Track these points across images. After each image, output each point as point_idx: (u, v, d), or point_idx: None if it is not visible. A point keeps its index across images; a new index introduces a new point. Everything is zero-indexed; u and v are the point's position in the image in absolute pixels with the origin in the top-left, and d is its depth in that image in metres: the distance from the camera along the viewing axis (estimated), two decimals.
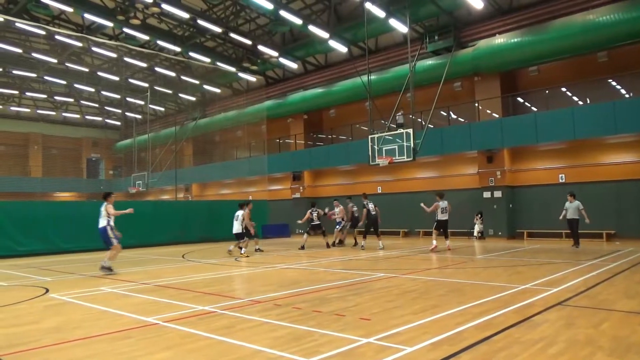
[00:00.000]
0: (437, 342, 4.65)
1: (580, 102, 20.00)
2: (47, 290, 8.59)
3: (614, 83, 19.24)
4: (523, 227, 20.11)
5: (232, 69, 28.05)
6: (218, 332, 5.22)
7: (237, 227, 14.82)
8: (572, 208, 15.12)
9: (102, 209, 10.94)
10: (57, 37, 25.14)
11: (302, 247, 16.93)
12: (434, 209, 15.18)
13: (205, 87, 32.32)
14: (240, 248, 14.90)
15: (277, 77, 30.84)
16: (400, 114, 21.02)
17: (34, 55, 27.93)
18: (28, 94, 36.69)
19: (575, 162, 19.12)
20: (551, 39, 18.28)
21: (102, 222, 10.88)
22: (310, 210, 17.59)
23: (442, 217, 15.29)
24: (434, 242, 15.36)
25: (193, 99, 35.73)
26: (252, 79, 30.23)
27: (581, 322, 5.35)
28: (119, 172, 45.13)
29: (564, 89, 20.31)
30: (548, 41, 18.36)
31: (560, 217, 15.32)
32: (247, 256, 14.46)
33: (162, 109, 39.77)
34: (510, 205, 20.31)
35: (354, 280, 8.99)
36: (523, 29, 19.49)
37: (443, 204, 15.30)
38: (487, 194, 20.60)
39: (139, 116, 40.21)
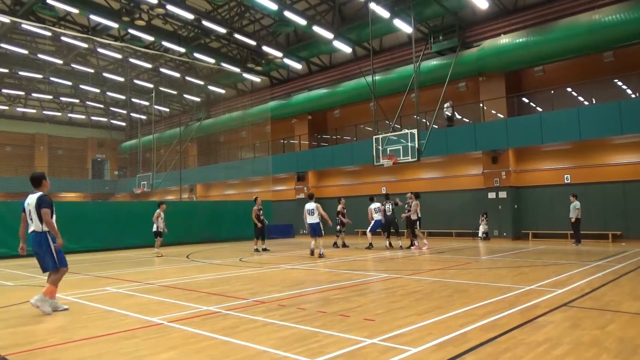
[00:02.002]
0: (442, 343, 4.64)
1: (586, 102, 19.91)
2: None
3: (619, 83, 19.14)
4: (528, 228, 20.04)
5: (237, 70, 28.10)
6: (222, 332, 5.23)
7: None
8: (571, 208, 16.30)
9: (314, 207, 14.01)
10: (62, 38, 25.29)
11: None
12: (416, 208, 15.94)
13: (210, 87, 32.41)
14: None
15: (281, 78, 30.88)
16: (448, 104, 20.75)
17: (40, 56, 28.11)
18: (34, 94, 36.92)
19: (580, 163, 19.04)
20: (556, 39, 18.21)
21: (316, 219, 14.01)
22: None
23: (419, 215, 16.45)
24: (425, 241, 16.35)
25: (198, 99, 35.83)
26: (256, 79, 30.29)
27: (586, 324, 5.33)
28: (124, 173, 45.32)
29: (569, 89, 20.23)
30: (553, 41, 18.29)
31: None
32: (161, 255, 15.56)
33: (167, 109, 39.90)
34: (515, 206, 20.24)
35: (358, 281, 8.99)
36: (528, 28, 19.43)
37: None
38: (492, 195, 20.55)
39: (143, 117, 40.37)
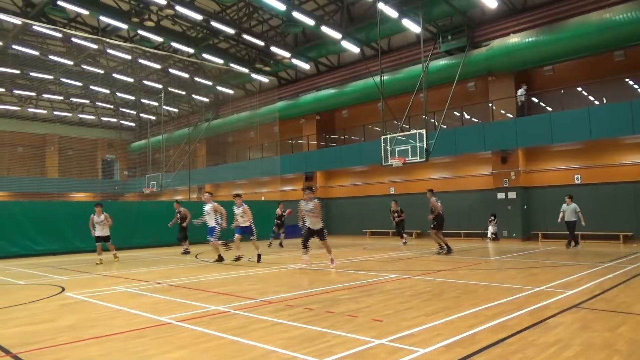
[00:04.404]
0: (450, 344, 4.61)
1: (597, 102, 19.72)
2: (63, 289, 8.71)
3: (631, 82, 18.92)
4: (538, 229, 19.88)
5: (245, 70, 28.17)
6: (231, 332, 5.24)
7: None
8: (569, 210, 15.28)
9: (241, 210, 12.61)
10: (73, 39, 25.51)
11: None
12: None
13: (219, 88, 32.52)
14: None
15: (289, 78, 30.90)
16: (522, 90, 19.95)
17: (51, 57, 28.38)
18: (45, 95, 37.27)
19: (591, 163, 18.85)
20: (566, 38, 18.05)
21: (247, 223, 12.71)
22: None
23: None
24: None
25: (206, 100, 35.97)
26: (264, 79, 30.34)
27: (597, 325, 5.27)
28: (134, 173, 45.59)
29: (579, 89, 20.04)
30: (563, 40, 18.13)
31: (559, 220, 15.55)
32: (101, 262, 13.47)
33: (176, 110, 40.11)
34: (525, 207, 20.09)
35: (366, 282, 8.96)
36: (538, 28, 19.27)
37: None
38: (501, 195, 20.41)
39: (153, 117, 40.60)
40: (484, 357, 4.21)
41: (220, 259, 13.30)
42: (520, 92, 20.11)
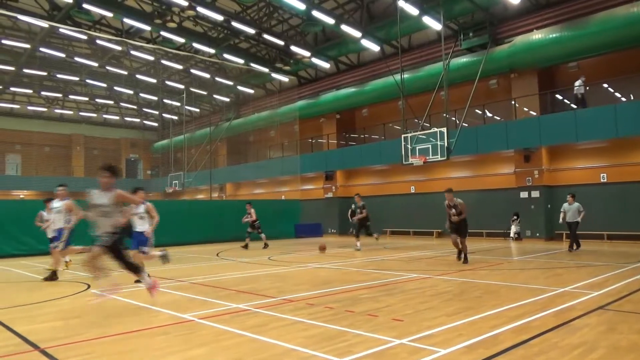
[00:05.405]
0: (472, 345, 4.57)
1: (623, 99, 19.23)
2: (89, 286, 8.91)
3: None
4: (562, 229, 19.42)
5: (266, 70, 28.34)
6: (251, 329, 5.29)
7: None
8: (572, 210, 14.12)
9: (143, 210, 9.76)
10: (97, 41, 26.01)
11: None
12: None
13: (239, 87, 32.79)
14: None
15: (309, 77, 30.96)
16: (580, 81, 18.62)
17: (77, 59, 29.02)
18: (71, 96, 38.17)
19: (617, 161, 18.39)
20: (592, 33, 17.66)
21: (145, 227, 9.68)
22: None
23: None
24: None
25: (227, 99, 36.31)
26: (284, 79, 30.46)
27: (624, 328, 5.15)
28: (157, 172, 46.29)
29: (605, 85, 19.58)
30: (588, 35, 17.74)
31: (561, 221, 14.48)
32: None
33: (198, 109, 40.58)
34: (549, 206, 19.72)
35: (386, 281, 8.93)
36: (562, 23, 18.90)
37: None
38: (524, 194, 20.08)
39: (175, 117, 41.17)
40: (507, 359, 4.16)
41: (52, 276, 9.89)
42: (578, 83, 18.72)
